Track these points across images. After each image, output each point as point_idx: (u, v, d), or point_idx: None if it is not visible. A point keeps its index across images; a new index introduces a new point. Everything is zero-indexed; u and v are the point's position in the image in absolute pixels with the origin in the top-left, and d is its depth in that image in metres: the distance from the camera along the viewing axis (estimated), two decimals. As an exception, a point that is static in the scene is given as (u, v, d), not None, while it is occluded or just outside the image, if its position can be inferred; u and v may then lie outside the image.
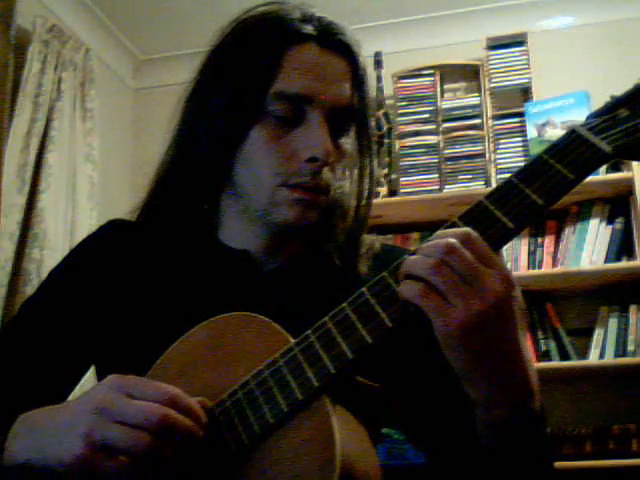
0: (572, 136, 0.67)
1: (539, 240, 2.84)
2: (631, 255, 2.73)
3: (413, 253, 0.67)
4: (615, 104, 0.68)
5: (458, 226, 0.67)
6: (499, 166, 2.91)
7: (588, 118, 0.69)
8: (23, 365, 0.89)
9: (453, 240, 0.64)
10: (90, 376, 0.96)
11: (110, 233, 0.97)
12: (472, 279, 0.63)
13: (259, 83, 0.84)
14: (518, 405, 0.68)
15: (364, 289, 0.69)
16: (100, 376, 0.91)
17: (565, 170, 0.65)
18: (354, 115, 0.88)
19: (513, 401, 0.67)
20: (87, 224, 2.74)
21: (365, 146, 0.91)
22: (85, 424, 0.65)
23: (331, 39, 0.87)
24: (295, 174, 0.84)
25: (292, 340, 0.71)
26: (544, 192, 0.65)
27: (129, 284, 0.91)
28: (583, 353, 2.73)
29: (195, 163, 0.89)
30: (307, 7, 0.90)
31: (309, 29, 0.86)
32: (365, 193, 0.92)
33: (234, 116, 0.85)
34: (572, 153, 0.66)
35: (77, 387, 0.94)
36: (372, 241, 0.95)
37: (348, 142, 0.90)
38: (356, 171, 0.92)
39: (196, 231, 0.90)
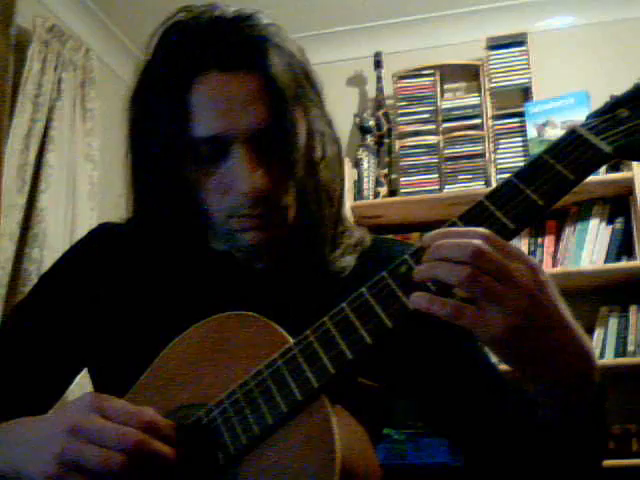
0: (572, 136, 0.67)
1: (539, 240, 2.84)
2: (631, 255, 2.73)
3: (417, 250, 0.67)
4: (615, 104, 0.68)
5: (458, 226, 0.66)
6: (499, 166, 2.91)
7: (588, 118, 0.69)
8: (13, 370, 0.89)
9: (478, 242, 0.62)
10: (79, 380, 0.96)
11: (100, 237, 0.97)
12: (504, 278, 0.62)
13: (174, 133, 0.81)
14: (583, 382, 0.67)
15: (363, 289, 0.68)
16: (96, 380, 0.91)
17: (565, 171, 0.65)
18: (277, 133, 0.81)
19: (577, 381, 0.67)
20: (87, 224, 2.73)
21: (295, 160, 0.82)
22: (58, 444, 0.65)
23: (234, 58, 0.81)
24: (237, 207, 0.82)
25: (291, 340, 0.71)
26: (544, 192, 0.65)
27: (120, 287, 0.91)
28: (583, 353, 2.72)
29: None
30: (215, 10, 0.84)
31: (210, 53, 0.80)
32: (315, 203, 0.86)
33: (165, 159, 0.84)
34: (572, 153, 0.66)
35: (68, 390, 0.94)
36: (362, 236, 0.93)
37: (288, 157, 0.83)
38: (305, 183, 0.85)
39: (186, 233, 0.88)
